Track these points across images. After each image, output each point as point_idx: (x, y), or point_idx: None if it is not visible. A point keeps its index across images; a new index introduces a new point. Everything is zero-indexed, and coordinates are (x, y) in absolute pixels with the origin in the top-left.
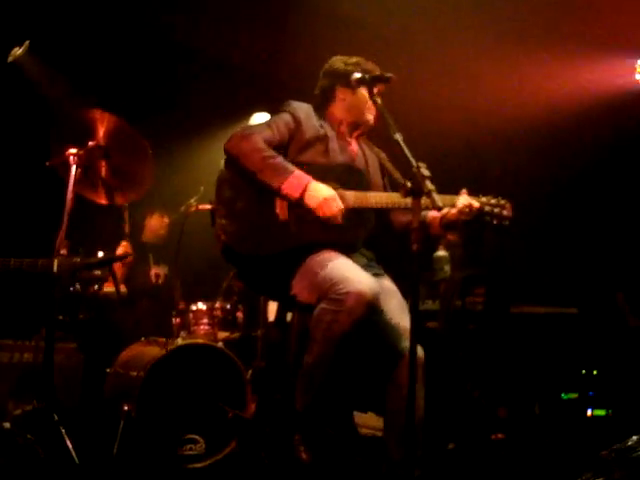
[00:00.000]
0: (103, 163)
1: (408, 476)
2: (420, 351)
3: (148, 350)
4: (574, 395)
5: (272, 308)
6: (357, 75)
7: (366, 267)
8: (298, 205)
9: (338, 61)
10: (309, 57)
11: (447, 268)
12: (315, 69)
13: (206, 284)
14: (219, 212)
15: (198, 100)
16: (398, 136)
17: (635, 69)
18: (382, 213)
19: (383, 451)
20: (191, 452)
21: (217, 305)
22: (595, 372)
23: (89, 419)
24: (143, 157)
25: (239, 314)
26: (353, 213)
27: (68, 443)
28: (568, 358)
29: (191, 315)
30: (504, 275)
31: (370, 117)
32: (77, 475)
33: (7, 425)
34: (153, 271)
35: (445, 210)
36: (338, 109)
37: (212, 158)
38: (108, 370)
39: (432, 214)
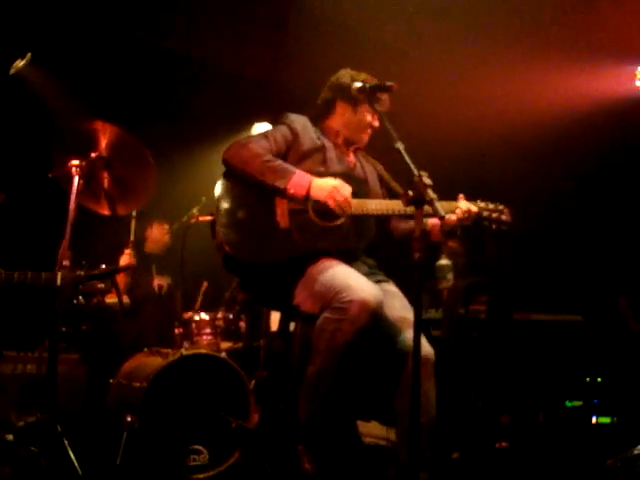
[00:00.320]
0: (105, 174)
1: (416, 478)
2: (430, 350)
3: (151, 361)
4: (579, 403)
5: (275, 318)
6: (358, 84)
7: (368, 274)
8: (305, 204)
9: (346, 75)
10: (311, 66)
11: (450, 276)
12: (317, 78)
13: (209, 294)
14: (220, 221)
15: (199, 110)
16: (400, 145)
17: (635, 76)
18: (382, 221)
19: (392, 457)
20: (195, 463)
21: (220, 315)
22: (599, 379)
23: (92, 430)
24: (145, 168)
25: (242, 324)
26: (353, 221)
27: (71, 454)
28: (572, 365)
29: (194, 325)
30: (507, 283)
31: (365, 138)
32: None
33: (10, 437)
34: (156, 282)
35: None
36: (336, 123)
37: (214, 168)
38: (111, 381)
39: (432, 221)
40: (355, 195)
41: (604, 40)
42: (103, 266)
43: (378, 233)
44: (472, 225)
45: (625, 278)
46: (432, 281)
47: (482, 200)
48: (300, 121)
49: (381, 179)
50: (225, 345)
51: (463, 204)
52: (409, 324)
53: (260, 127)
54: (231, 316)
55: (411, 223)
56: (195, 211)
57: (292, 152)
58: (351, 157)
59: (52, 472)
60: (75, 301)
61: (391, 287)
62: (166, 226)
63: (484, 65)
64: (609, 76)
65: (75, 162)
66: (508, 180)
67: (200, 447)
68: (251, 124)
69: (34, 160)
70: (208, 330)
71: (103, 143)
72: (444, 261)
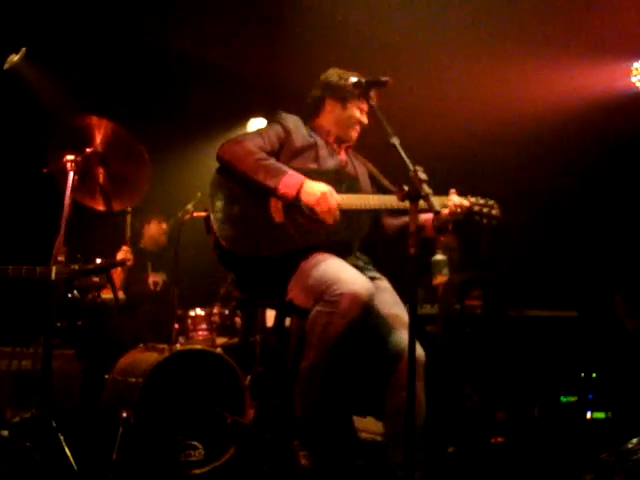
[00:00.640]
0: (100, 169)
1: (409, 478)
2: (421, 351)
3: (147, 356)
4: (573, 398)
5: (270, 313)
6: (353, 79)
7: (362, 270)
8: (295, 204)
9: (334, 74)
10: (307, 63)
11: (445, 272)
12: (312, 75)
13: (204, 290)
14: (215, 217)
15: (195, 106)
16: (395, 140)
17: (631, 72)
18: (374, 217)
19: (384, 454)
20: (190, 458)
21: (215, 311)
22: (594, 375)
23: (88, 426)
24: (140, 163)
25: (237, 319)
26: (347, 216)
27: (67, 450)
28: (567, 361)
29: (189, 321)
30: (502, 278)
31: (354, 134)
32: None
33: (5, 433)
34: (151, 278)
35: None
36: (326, 121)
37: (209, 163)
38: (106, 377)
39: (424, 216)
40: (347, 192)
41: (600, 36)
42: (98, 260)
43: (371, 230)
44: (463, 220)
45: (621, 275)
46: (427, 276)
47: (472, 195)
48: (292, 119)
49: (371, 176)
50: (221, 341)
51: (454, 198)
52: (401, 322)
53: (256, 122)
54: (227, 312)
55: (403, 219)
56: (190, 207)
57: (285, 150)
58: (342, 155)
59: (47, 468)
60: (70, 295)
61: (384, 284)
62: (164, 225)
63: (479, 61)
64: (605, 72)
65: (70, 157)
66: (504, 176)
67: (196, 443)
68: (246, 120)
69: (29, 155)
70: (204, 326)
71: (98, 138)
72: (439, 256)
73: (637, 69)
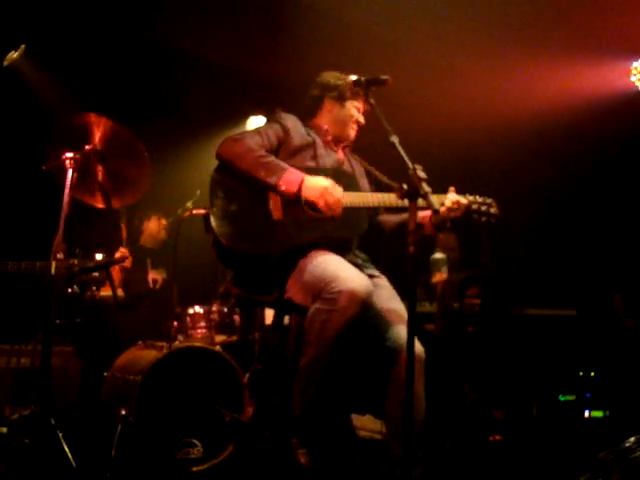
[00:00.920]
0: (100, 167)
1: (409, 474)
2: (421, 348)
3: (145, 354)
4: (572, 397)
5: (269, 311)
6: (354, 77)
7: (361, 268)
8: (296, 201)
9: (330, 75)
10: (306, 61)
11: (444, 270)
12: (311, 73)
13: (203, 288)
14: (214, 214)
15: (194, 104)
16: (394, 138)
17: (630, 71)
18: (373, 215)
19: (385, 450)
20: (189, 456)
21: (214, 308)
22: (592, 374)
23: (86, 423)
24: (140, 161)
25: (236, 317)
26: (345, 214)
27: (65, 447)
28: (565, 360)
29: (188, 319)
30: (501, 277)
31: (352, 133)
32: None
33: (4, 430)
34: (151, 276)
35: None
36: (324, 120)
37: (208, 161)
38: (105, 374)
39: (422, 214)
40: (346, 190)
41: (599, 36)
42: (98, 256)
43: (371, 228)
44: (462, 218)
45: (620, 274)
46: (426, 274)
47: (471, 194)
48: (290, 118)
49: (369, 175)
50: (220, 338)
51: (452, 196)
52: (399, 316)
53: (255, 120)
54: (226, 309)
55: (402, 216)
56: (190, 204)
57: (283, 148)
58: (340, 154)
59: (46, 465)
60: (70, 291)
61: (384, 283)
62: (164, 221)
63: (478, 60)
64: (604, 72)
65: (69, 155)
66: (503, 175)
67: (194, 440)
68: (246, 118)
69: (28, 152)
70: (203, 323)
71: (97, 136)
72: (438, 255)
73: (636, 68)
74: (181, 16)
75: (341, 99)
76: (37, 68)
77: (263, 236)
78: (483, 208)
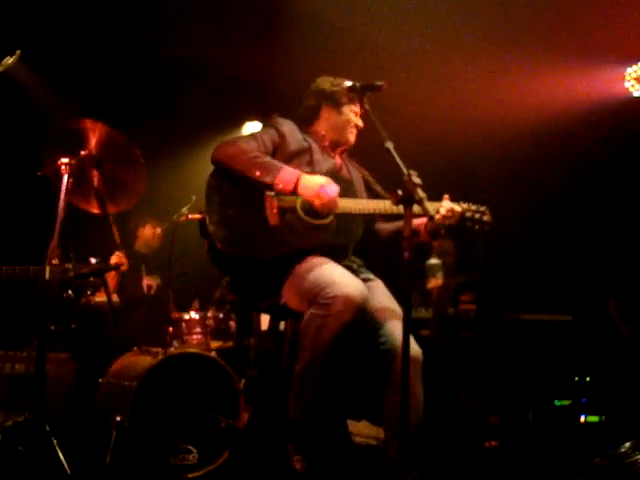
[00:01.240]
0: (95, 172)
1: (405, 477)
2: (418, 350)
3: (141, 360)
4: (567, 402)
5: (265, 317)
6: (348, 83)
7: (356, 272)
8: (290, 210)
9: (325, 81)
10: (301, 66)
11: (440, 276)
12: (307, 79)
13: (199, 293)
14: (210, 219)
15: (190, 109)
16: (389, 144)
17: (624, 77)
18: (368, 223)
19: (381, 456)
20: (184, 462)
21: (210, 314)
22: (588, 379)
23: (81, 430)
24: (135, 166)
25: (232, 323)
26: (341, 220)
27: (60, 454)
28: (561, 365)
29: (184, 324)
30: (496, 282)
31: (351, 138)
32: None
33: None
34: (145, 281)
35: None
36: (322, 127)
37: (204, 167)
38: (100, 380)
39: (417, 221)
40: (342, 195)
41: (593, 42)
42: (92, 260)
43: (366, 234)
44: (456, 225)
45: (615, 280)
46: (422, 280)
47: (464, 201)
48: (287, 123)
49: (366, 182)
50: (215, 344)
51: (447, 204)
52: (394, 315)
53: (251, 126)
54: (221, 315)
55: (397, 223)
56: (185, 210)
57: (279, 153)
58: (337, 159)
59: (40, 472)
60: (65, 295)
61: (380, 286)
62: (159, 230)
63: (473, 66)
64: (598, 77)
65: (64, 160)
66: (498, 180)
67: (190, 446)
68: (241, 124)
69: (23, 158)
70: (198, 329)
71: (93, 141)
72: (434, 260)
73: (630, 74)
74: (177, 22)
75: (338, 105)
76: (33, 74)
77: (259, 241)
78: (477, 216)
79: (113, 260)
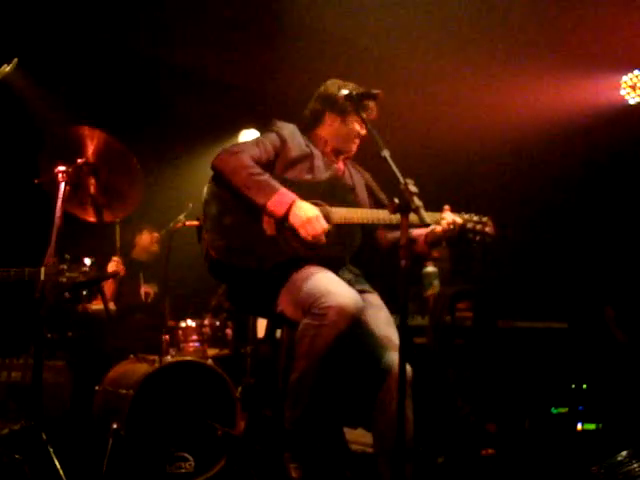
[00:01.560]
0: (92, 180)
1: None
2: (408, 369)
3: (137, 368)
4: (564, 409)
5: (261, 325)
6: (344, 92)
7: (352, 283)
8: (282, 223)
9: (333, 85)
10: (298, 75)
11: (436, 283)
12: (304, 86)
13: (195, 301)
14: (207, 227)
15: (187, 117)
16: (386, 152)
17: (620, 85)
18: (368, 230)
19: (374, 467)
20: (181, 470)
21: (206, 322)
22: (585, 386)
23: (78, 438)
24: (132, 174)
25: (228, 331)
26: (339, 230)
27: (56, 462)
28: (558, 372)
29: (180, 332)
30: (492, 290)
31: (353, 147)
32: None
33: None
34: (143, 289)
35: (429, 227)
36: (325, 133)
37: (201, 174)
38: (97, 388)
39: (417, 231)
40: (342, 203)
41: (589, 50)
42: (87, 261)
43: (365, 242)
44: (456, 237)
45: (612, 287)
46: (418, 288)
47: (466, 212)
48: (289, 128)
49: (369, 189)
50: (212, 352)
51: (448, 215)
52: (393, 343)
53: (248, 134)
54: (218, 323)
55: (397, 233)
56: (182, 217)
57: (280, 159)
58: (340, 165)
59: None
60: (60, 298)
61: (375, 299)
62: (156, 235)
63: (468, 75)
64: (594, 85)
65: (61, 168)
66: (494, 187)
67: (186, 454)
68: (238, 131)
69: (20, 166)
70: (195, 337)
71: (90, 149)
72: (430, 268)
73: (626, 82)
74: (174, 30)
75: (342, 114)
76: (30, 81)
77: (255, 251)
78: (478, 227)
79: (111, 267)
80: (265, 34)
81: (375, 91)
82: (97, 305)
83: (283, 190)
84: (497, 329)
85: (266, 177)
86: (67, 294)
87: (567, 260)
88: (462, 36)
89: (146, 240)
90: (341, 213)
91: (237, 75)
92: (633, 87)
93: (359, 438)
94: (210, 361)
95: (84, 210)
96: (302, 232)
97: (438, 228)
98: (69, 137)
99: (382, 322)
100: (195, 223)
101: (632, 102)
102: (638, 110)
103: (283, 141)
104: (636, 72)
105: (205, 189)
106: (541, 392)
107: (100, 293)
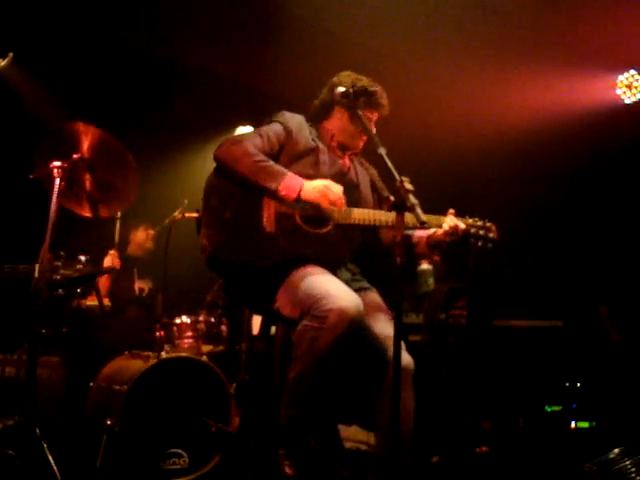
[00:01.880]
0: (87, 176)
1: None
2: (410, 360)
3: (132, 364)
4: (558, 408)
5: (256, 321)
6: (341, 89)
7: (351, 281)
8: (287, 217)
9: (347, 79)
10: (295, 72)
11: (431, 281)
12: (300, 83)
13: (190, 297)
14: (206, 220)
15: (183, 114)
16: (382, 150)
17: (616, 85)
18: (370, 229)
19: (373, 463)
20: (175, 466)
21: (201, 318)
22: (579, 385)
23: (71, 434)
24: (127, 170)
25: (223, 327)
26: (339, 230)
27: (50, 458)
28: (552, 371)
29: (175, 328)
30: (487, 288)
31: (360, 144)
32: None
33: None
34: (137, 285)
35: (432, 230)
36: (332, 126)
37: (196, 171)
38: (91, 384)
39: (418, 234)
40: (345, 200)
41: (586, 50)
42: (82, 258)
43: (365, 241)
44: (459, 241)
45: (606, 286)
46: (413, 285)
47: (471, 216)
48: (296, 120)
49: (373, 186)
50: (206, 348)
51: (450, 219)
52: (386, 323)
53: (243, 131)
54: (213, 319)
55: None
56: (177, 214)
57: (284, 152)
58: (345, 161)
59: (30, 476)
60: (55, 294)
61: (374, 297)
62: (151, 231)
63: (465, 75)
64: (591, 85)
65: (57, 164)
66: (490, 187)
67: (180, 451)
68: (234, 128)
69: (15, 161)
70: (189, 333)
71: (85, 145)
72: (425, 266)
73: (622, 81)
74: (171, 27)
75: (352, 109)
76: (25, 76)
77: (253, 248)
78: (481, 232)
79: (107, 261)
80: (263, 31)
81: (371, 88)
82: (91, 301)
83: (291, 174)
84: (492, 327)
85: (272, 163)
86: (61, 290)
87: (562, 259)
88: (459, 36)
89: (141, 237)
90: (340, 212)
91: (233, 72)
92: (629, 86)
93: (353, 435)
94: (205, 357)
95: (80, 205)
96: (324, 201)
97: (440, 231)
98: (64, 133)
99: (381, 320)
100: (195, 215)
101: (628, 101)
102: (634, 109)
103: (289, 133)
104: (632, 72)
105: (206, 182)
106: (535, 390)
107: (94, 289)
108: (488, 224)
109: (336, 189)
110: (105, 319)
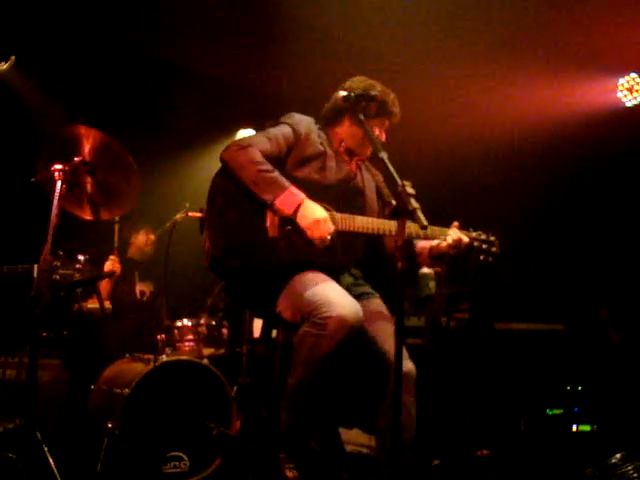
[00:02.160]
0: (88, 179)
1: None
2: (412, 367)
3: (133, 367)
4: (559, 411)
5: (257, 324)
6: (343, 93)
7: (353, 286)
8: (289, 222)
9: (359, 85)
10: (296, 73)
11: (432, 285)
12: (302, 85)
13: (191, 301)
14: (209, 222)
15: (184, 117)
16: (383, 154)
17: (617, 88)
18: (373, 238)
19: (374, 466)
20: (175, 470)
21: (202, 321)
22: (580, 388)
23: (72, 437)
24: (129, 173)
25: (224, 330)
26: (342, 236)
27: (51, 461)
28: (553, 374)
29: (176, 332)
30: (488, 292)
31: (368, 152)
32: None
33: None
34: (138, 288)
35: (435, 242)
36: (342, 131)
37: (197, 173)
38: (92, 387)
39: (421, 244)
40: (350, 207)
41: (587, 52)
42: (80, 257)
43: (369, 247)
44: (461, 254)
45: (607, 289)
46: (414, 289)
47: (474, 229)
48: (305, 123)
49: (379, 192)
50: (207, 351)
51: (454, 233)
52: (388, 329)
53: (245, 134)
54: (214, 322)
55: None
56: (178, 217)
57: (292, 155)
58: (353, 166)
59: (31, 479)
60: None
61: (377, 302)
62: (152, 237)
63: (467, 77)
64: (591, 88)
65: (58, 167)
66: (491, 191)
67: (181, 454)
68: (235, 131)
69: (17, 164)
70: (190, 336)
71: (86, 148)
72: (426, 269)
73: (623, 85)
74: (172, 30)
75: (353, 113)
76: (27, 80)
77: (256, 252)
78: (484, 246)
79: (107, 266)
80: (265, 33)
81: (372, 93)
82: (92, 304)
83: (292, 189)
84: (493, 330)
85: (275, 174)
86: (62, 293)
87: (563, 263)
88: (459, 39)
89: (142, 240)
90: (343, 219)
91: (235, 74)
92: (630, 89)
93: (354, 439)
94: (206, 361)
95: (81, 208)
96: (309, 233)
97: (443, 244)
98: (66, 136)
99: (383, 325)
100: (199, 215)
101: (629, 104)
102: (635, 112)
103: (298, 136)
104: (633, 75)
105: (212, 181)
106: (536, 393)
107: (95, 292)
108: (492, 238)
109: (327, 227)
110: (106, 322)
